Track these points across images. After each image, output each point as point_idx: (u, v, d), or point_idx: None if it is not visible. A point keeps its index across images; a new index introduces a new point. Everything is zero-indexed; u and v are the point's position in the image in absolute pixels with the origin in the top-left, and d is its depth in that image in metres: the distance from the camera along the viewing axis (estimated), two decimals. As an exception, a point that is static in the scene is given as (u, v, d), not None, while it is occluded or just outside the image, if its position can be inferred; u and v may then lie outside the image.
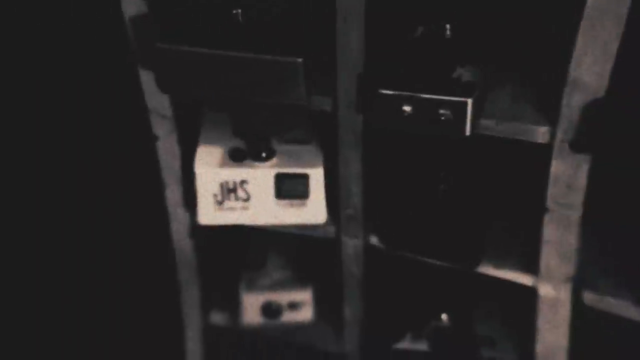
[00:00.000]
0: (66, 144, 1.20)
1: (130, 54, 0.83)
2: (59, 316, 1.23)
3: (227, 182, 0.87)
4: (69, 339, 1.22)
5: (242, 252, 1.06)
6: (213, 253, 1.02)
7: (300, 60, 0.74)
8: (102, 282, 1.23)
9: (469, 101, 0.72)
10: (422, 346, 0.95)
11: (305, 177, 0.87)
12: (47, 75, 1.15)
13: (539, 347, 0.87)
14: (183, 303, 1.02)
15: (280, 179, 0.87)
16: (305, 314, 1.02)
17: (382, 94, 0.74)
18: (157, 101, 0.86)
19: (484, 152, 0.87)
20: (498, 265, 0.86)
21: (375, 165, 0.87)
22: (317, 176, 0.87)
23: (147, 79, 0.84)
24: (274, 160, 0.88)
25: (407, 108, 0.74)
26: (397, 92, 0.74)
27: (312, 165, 0.87)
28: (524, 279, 0.85)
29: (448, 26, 0.76)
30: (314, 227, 0.90)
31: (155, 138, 0.88)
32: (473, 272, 0.86)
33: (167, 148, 0.89)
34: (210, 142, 0.89)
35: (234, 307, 1.03)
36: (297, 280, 1.03)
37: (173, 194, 0.92)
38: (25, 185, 1.23)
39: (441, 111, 0.72)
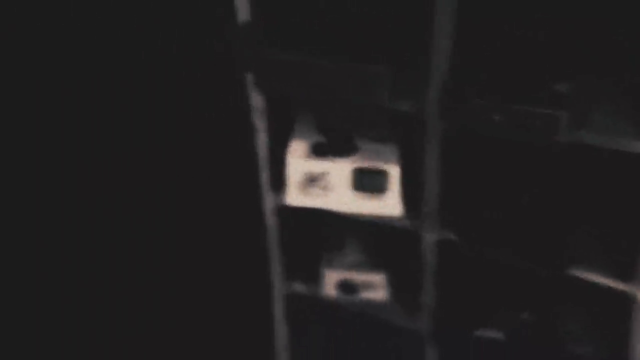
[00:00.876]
0: (182, 135, 1.25)
1: (238, 58, 0.92)
2: (167, 275, 1.34)
3: (311, 172, 0.96)
4: (179, 296, 1.34)
5: (324, 235, 1.13)
6: (299, 234, 1.10)
7: (385, 69, 0.82)
8: (204, 251, 1.33)
9: (562, 114, 0.73)
10: (500, 335, 0.98)
11: (382, 173, 0.94)
12: (172, 73, 1.20)
13: (634, 351, 0.88)
14: (271, 271, 1.10)
15: (358, 174, 0.95)
16: (379, 294, 1.08)
17: (473, 102, 0.76)
18: (258, 99, 0.95)
19: (576, 160, 0.88)
20: (592, 269, 0.87)
21: (458, 166, 0.90)
22: (393, 172, 0.94)
23: (251, 80, 0.93)
24: (354, 156, 0.95)
25: (497, 117, 0.75)
26: (488, 102, 0.75)
27: (389, 162, 0.94)
28: (620, 285, 0.86)
29: (547, 39, 0.78)
30: (391, 219, 0.96)
31: (254, 130, 0.98)
32: (565, 274, 0.87)
33: (263, 139, 0.99)
34: (301, 137, 0.99)
35: (314, 281, 1.10)
36: (372, 264, 1.08)
37: (266, 178, 1.02)
38: (134, 164, 1.28)
39: (533, 122, 0.74)
